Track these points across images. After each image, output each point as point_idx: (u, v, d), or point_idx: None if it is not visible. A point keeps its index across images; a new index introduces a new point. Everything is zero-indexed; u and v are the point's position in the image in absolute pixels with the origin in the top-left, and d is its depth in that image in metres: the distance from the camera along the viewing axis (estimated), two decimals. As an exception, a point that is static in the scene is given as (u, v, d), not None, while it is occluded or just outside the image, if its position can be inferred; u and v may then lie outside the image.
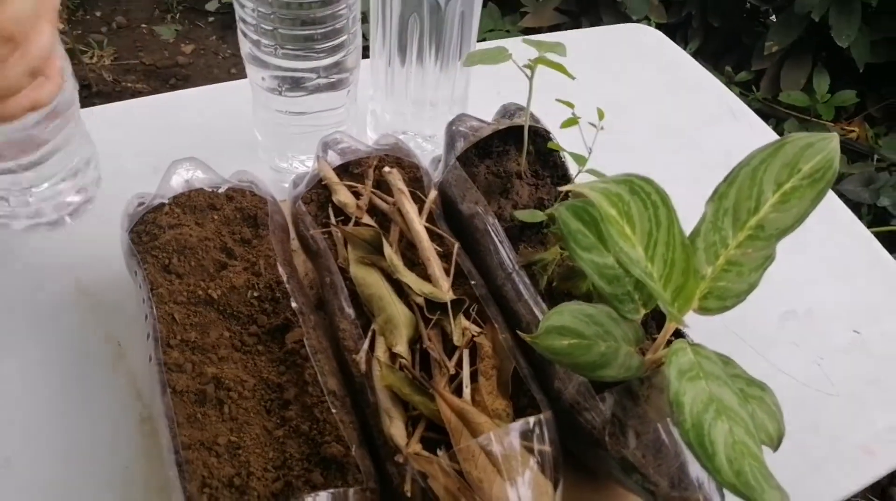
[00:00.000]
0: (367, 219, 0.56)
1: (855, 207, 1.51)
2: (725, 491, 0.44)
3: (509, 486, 0.42)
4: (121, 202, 0.56)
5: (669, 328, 0.43)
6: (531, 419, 0.44)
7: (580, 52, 0.60)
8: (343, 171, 0.60)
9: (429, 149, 0.73)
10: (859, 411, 0.60)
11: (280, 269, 0.52)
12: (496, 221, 0.55)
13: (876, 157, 1.72)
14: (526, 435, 0.44)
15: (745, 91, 1.83)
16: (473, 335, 0.49)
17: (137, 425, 0.53)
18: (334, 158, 0.60)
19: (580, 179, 0.56)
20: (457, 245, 0.54)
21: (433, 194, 0.58)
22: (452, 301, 0.50)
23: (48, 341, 0.57)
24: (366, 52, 0.67)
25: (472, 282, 0.53)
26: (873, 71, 1.73)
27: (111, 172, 0.68)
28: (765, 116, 1.09)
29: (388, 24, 0.64)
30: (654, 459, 0.44)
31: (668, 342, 0.41)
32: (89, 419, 0.53)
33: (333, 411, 0.45)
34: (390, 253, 0.52)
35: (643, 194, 0.37)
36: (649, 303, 0.44)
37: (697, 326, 0.46)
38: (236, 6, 0.58)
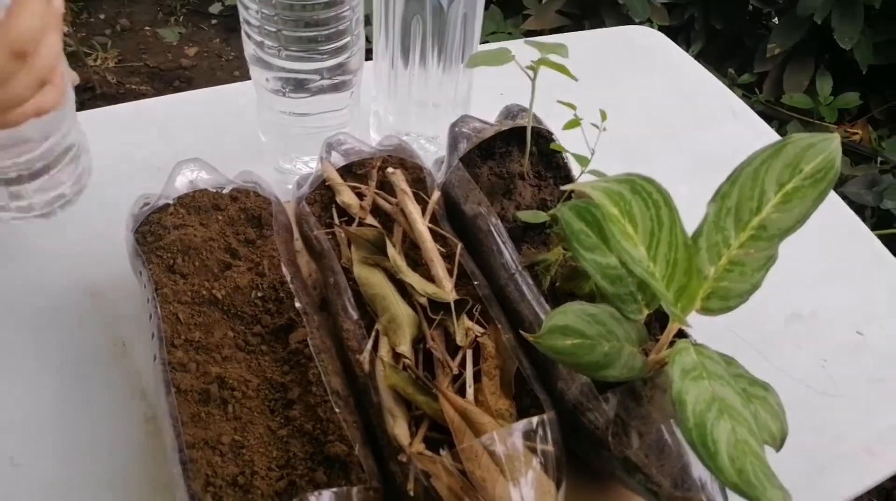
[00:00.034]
0: (370, 220, 0.56)
1: (858, 209, 1.50)
2: (729, 492, 0.44)
3: (512, 486, 0.42)
4: (126, 203, 0.57)
5: (672, 328, 0.43)
6: (534, 420, 0.44)
7: (582, 54, 0.60)
8: (346, 172, 0.60)
9: (432, 150, 0.73)
10: (863, 412, 0.60)
11: (284, 269, 0.52)
12: (499, 221, 0.56)
13: (879, 159, 1.72)
14: (529, 435, 0.44)
15: (747, 93, 1.83)
16: (476, 336, 0.49)
17: (141, 424, 0.53)
18: (338, 159, 0.60)
19: (583, 180, 0.56)
20: (460, 246, 0.54)
21: (436, 194, 0.58)
22: (456, 302, 0.50)
23: (53, 340, 0.57)
24: (369, 55, 0.67)
25: (476, 282, 0.53)
26: (876, 73, 1.73)
27: (115, 173, 0.68)
28: (767, 118, 1.09)
29: (391, 26, 0.64)
30: (657, 459, 0.44)
31: (672, 343, 0.42)
32: (93, 418, 0.53)
33: (337, 410, 0.45)
34: (394, 254, 0.52)
35: (645, 194, 0.37)
36: (652, 303, 0.44)
37: (701, 328, 0.46)
38: (240, 8, 0.59)
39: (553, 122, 0.61)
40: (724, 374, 0.38)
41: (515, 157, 0.61)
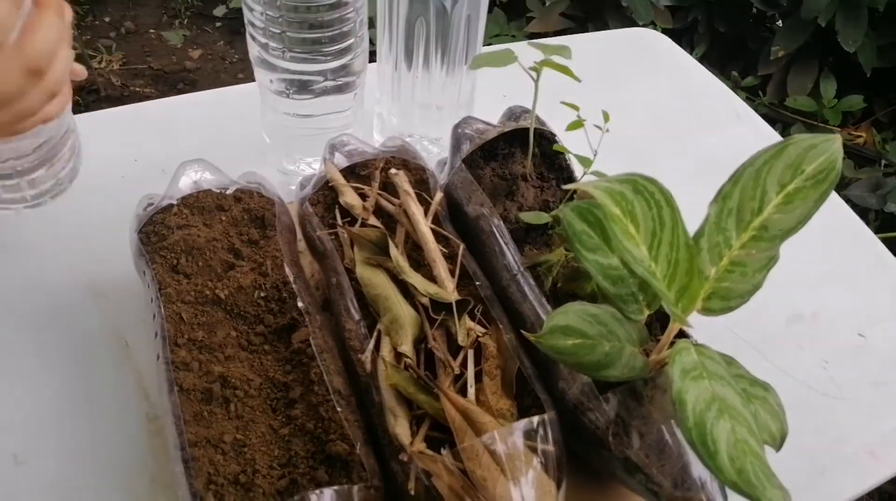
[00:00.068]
0: (373, 220, 0.56)
1: (862, 212, 1.50)
2: (729, 491, 0.44)
3: (513, 485, 0.42)
4: (130, 203, 0.57)
5: (673, 328, 0.43)
6: (535, 419, 0.44)
7: (586, 56, 0.60)
8: (350, 173, 0.60)
9: (435, 151, 0.74)
10: (865, 414, 0.60)
11: (287, 269, 0.53)
12: (501, 222, 0.56)
13: (883, 162, 1.72)
14: (529, 435, 0.44)
15: (751, 96, 1.83)
16: (478, 336, 0.49)
17: (144, 423, 0.53)
18: (341, 160, 0.60)
19: (585, 181, 0.56)
20: (462, 246, 0.55)
21: (439, 195, 0.58)
22: (457, 302, 0.50)
23: (56, 340, 0.57)
24: (373, 57, 0.68)
25: (478, 283, 0.53)
26: (880, 76, 1.73)
27: (119, 174, 0.69)
28: (771, 121, 1.09)
29: (395, 29, 0.65)
30: (658, 459, 0.44)
31: (672, 343, 0.42)
32: (96, 417, 0.53)
33: (339, 410, 0.46)
34: (396, 254, 0.52)
35: (647, 194, 0.37)
36: (653, 304, 0.44)
37: (702, 329, 0.46)
38: (245, 10, 0.59)
39: (556, 124, 0.61)
40: (725, 374, 0.38)
41: (518, 158, 0.61)
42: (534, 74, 0.54)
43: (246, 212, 0.56)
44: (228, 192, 0.57)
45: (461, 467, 0.42)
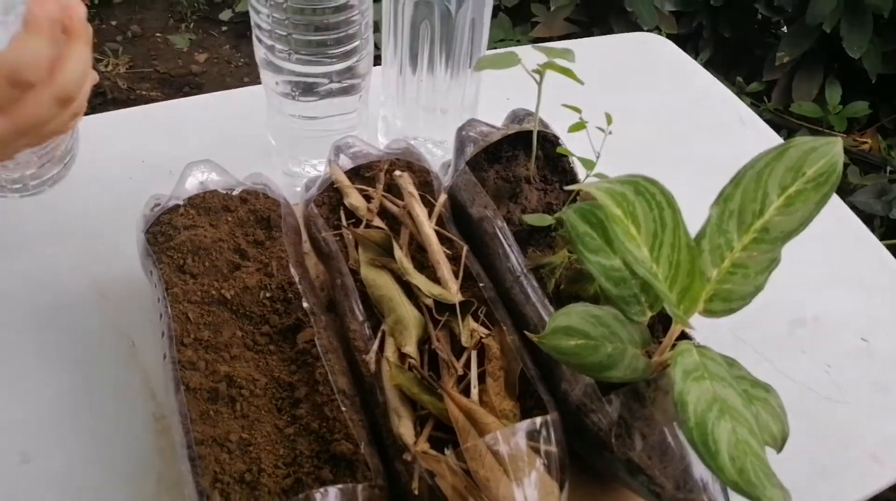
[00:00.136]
0: (377, 222, 0.57)
1: (868, 219, 1.50)
2: (730, 492, 0.44)
3: (515, 486, 0.42)
4: (136, 204, 0.57)
5: (675, 330, 0.43)
6: (538, 420, 0.44)
7: (590, 61, 0.60)
8: (354, 174, 0.60)
9: (439, 154, 0.74)
10: (867, 418, 0.60)
11: (292, 270, 0.53)
12: (505, 224, 0.56)
13: (889, 168, 1.72)
14: (532, 436, 0.44)
15: (756, 102, 1.83)
16: (481, 337, 0.50)
17: (151, 422, 0.53)
18: (346, 162, 0.61)
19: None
20: (466, 248, 0.55)
21: (443, 197, 0.59)
22: (461, 303, 0.50)
23: (63, 339, 0.58)
24: (378, 61, 0.68)
25: (481, 285, 0.53)
26: (886, 82, 1.73)
27: (127, 175, 0.69)
28: (776, 126, 1.09)
29: (400, 32, 0.65)
30: (660, 461, 0.44)
31: (674, 345, 0.42)
32: (103, 416, 0.54)
33: (343, 409, 0.46)
34: (400, 255, 0.53)
35: (648, 195, 0.38)
36: (655, 305, 0.45)
37: (705, 332, 0.46)
38: (252, 12, 0.60)
39: (559, 126, 0.62)
40: (726, 375, 0.39)
41: (522, 161, 0.61)
42: (537, 76, 0.54)
43: (252, 213, 0.57)
44: (234, 193, 0.57)
45: (464, 467, 0.42)
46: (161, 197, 0.57)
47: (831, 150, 0.40)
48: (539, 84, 0.55)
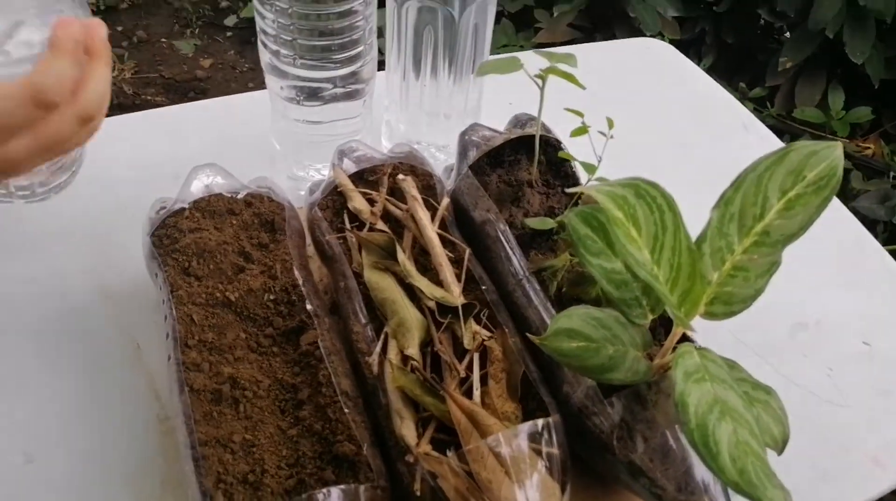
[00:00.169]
0: (381, 225, 0.57)
1: (871, 224, 1.50)
2: (731, 494, 0.45)
3: (517, 488, 0.42)
4: (142, 207, 0.58)
5: (677, 332, 0.44)
6: (539, 422, 0.45)
7: (593, 66, 0.61)
8: (358, 178, 0.61)
9: (442, 158, 0.74)
10: (869, 422, 0.60)
11: (296, 273, 0.53)
12: (507, 228, 0.56)
13: (892, 174, 1.72)
14: (534, 438, 0.44)
15: (759, 107, 1.84)
16: (484, 339, 0.50)
17: (155, 424, 0.54)
18: (350, 166, 0.61)
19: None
20: (468, 251, 0.55)
21: (446, 201, 0.59)
22: (463, 305, 0.50)
23: (68, 341, 0.58)
24: (382, 66, 0.69)
25: (483, 287, 0.54)
26: (888, 87, 1.73)
27: (132, 178, 0.70)
28: (779, 132, 1.09)
29: (404, 38, 0.66)
30: (662, 463, 0.45)
31: (676, 348, 0.42)
32: (107, 417, 0.54)
33: (346, 411, 0.46)
34: (403, 258, 0.53)
35: (649, 198, 0.38)
36: (657, 308, 0.45)
37: (707, 335, 0.46)
38: (257, 18, 0.60)
39: (561, 131, 0.62)
40: (727, 377, 0.39)
41: (524, 165, 0.61)
42: (539, 81, 0.55)
43: (256, 216, 0.57)
44: (239, 196, 0.58)
45: (466, 469, 0.43)
46: (166, 200, 0.57)
47: (831, 153, 0.40)
48: (541, 89, 0.55)
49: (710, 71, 1.08)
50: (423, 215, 0.56)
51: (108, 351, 0.58)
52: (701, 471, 0.44)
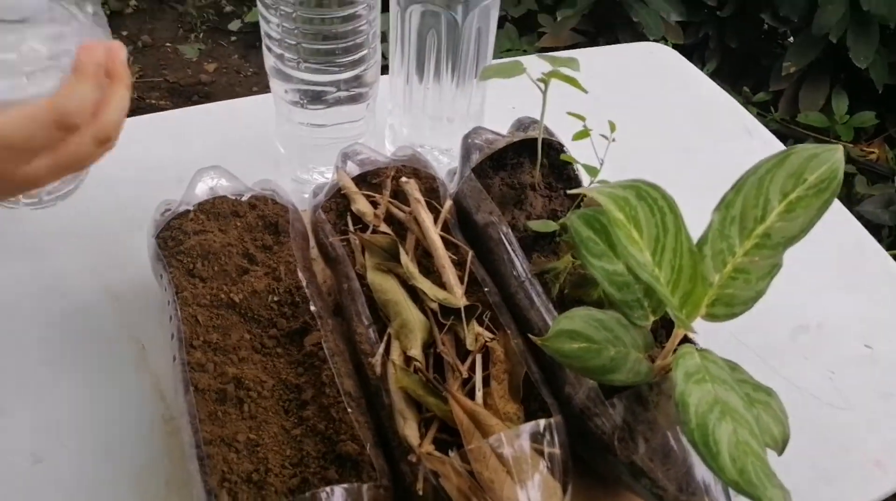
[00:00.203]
0: (384, 227, 0.57)
1: (875, 229, 1.50)
2: (732, 494, 0.45)
3: (519, 488, 0.42)
4: (147, 209, 0.58)
5: (678, 334, 0.44)
6: (541, 423, 0.45)
7: (596, 70, 0.61)
8: (361, 181, 0.61)
9: (445, 161, 0.75)
10: (870, 425, 0.60)
11: (300, 274, 0.54)
12: (510, 230, 0.57)
13: (896, 178, 1.72)
14: (536, 438, 0.45)
15: (762, 112, 1.84)
16: (486, 341, 0.50)
17: (160, 424, 0.54)
18: (353, 169, 0.62)
19: (593, 190, 0.57)
20: (471, 253, 0.56)
21: (448, 204, 0.59)
22: (466, 307, 0.51)
23: (74, 341, 0.59)
24: (385, 70, 0.69)
25: (486, 289, 0.54)
26: (892, 92, 1.73)
27: (137, 180, 0.70)
28: (783, 136, 1.09)
29: (407, 42, 0.66)
30: (663, 464, 0.45)
31: (677, 349, 0.42)
32: (113, 417, 0.54)
33: (349, 411, 0.46)
34: (406, 260, 0.53)
35: (650, 200, 0.38)
36: (658, 310, 0.45)
37: (708, 337, 0.47)
38: (262, 22, 0.61)
39: (564, 134, 0.62)
40: (728, 378, 0.39)
41: (527, 168, 0.62)
42: (542, 85, 0.55)
43: (260, 218, 0.58)
44: (243, 198, 0.58)
45: (469, 468, 0.43)
46: (171, 202, 0.58)
47: (832, 156, 0.40)
48: (544, 93, 0.55)
49: (713, 75, 1.08)
50: (426, 217, 0.57)
51: (114, 352, 0.58)
52: (702, 472, 0.44)
